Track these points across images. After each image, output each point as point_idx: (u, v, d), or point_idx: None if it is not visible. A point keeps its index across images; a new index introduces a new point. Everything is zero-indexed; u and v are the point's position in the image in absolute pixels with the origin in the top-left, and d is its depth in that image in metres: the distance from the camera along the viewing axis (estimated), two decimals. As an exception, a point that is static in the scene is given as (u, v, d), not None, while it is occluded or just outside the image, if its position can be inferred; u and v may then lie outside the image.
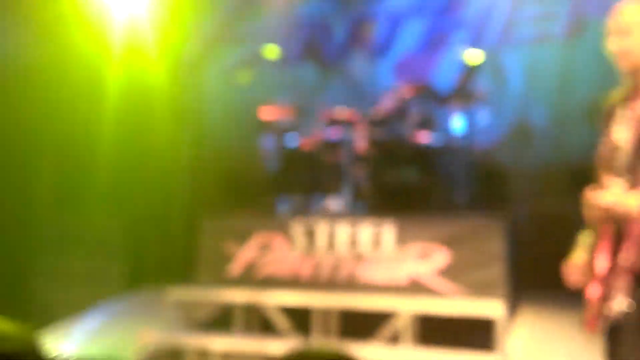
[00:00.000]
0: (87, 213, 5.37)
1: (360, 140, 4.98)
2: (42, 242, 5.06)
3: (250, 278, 4.41)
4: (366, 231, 4.23)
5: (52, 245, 5.09)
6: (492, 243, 3.96)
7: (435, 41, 6.14)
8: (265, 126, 5.43)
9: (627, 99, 2.00)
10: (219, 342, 4.01)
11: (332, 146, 5.08)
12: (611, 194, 1.87)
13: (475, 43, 6.08)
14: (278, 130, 5.35)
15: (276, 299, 4.12)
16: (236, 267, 4.47)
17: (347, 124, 5.03)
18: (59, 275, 4.93)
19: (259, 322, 4.26)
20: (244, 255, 4.46)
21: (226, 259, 4.51)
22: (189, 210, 5.92)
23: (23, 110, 4.08)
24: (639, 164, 1.86)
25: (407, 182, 4.53)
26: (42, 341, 0.85)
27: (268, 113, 5.46)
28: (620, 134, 1.95)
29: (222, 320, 4.32)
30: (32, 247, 4.94)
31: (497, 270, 3.92)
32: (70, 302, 4.71)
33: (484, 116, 5.11)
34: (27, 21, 5.48)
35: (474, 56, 5.07)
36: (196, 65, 6.94)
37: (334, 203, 4.72)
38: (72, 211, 5.39)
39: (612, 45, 2.04)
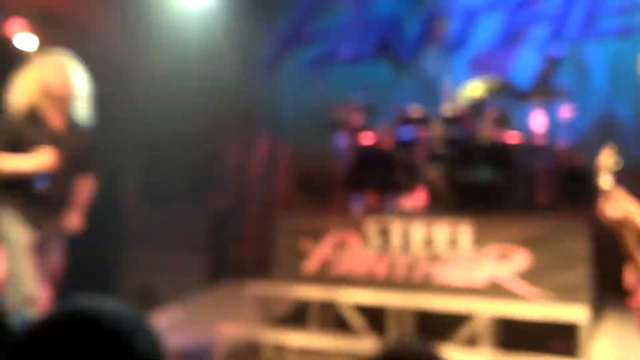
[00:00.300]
0: (172, 208, 5.56)
1: (435, 139, 4.91)
2: (129, 236, 5.28)
3: (325, 276, 4.43)
4: (442, 231, 4.16)
5: (138, 239, 5.31)
6: (575, 244, 3.80)
7: (513, 36, 5.96)
8: (339, 125, 5.44)
9: None
10: (295, 338, 4.05)
11: (406, 145, 5.03)
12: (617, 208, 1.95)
13: (556, 37, 5.86)
14: (352, 128, 5.34)
15: (351, 297, 4.13)
16: (311, 265, 4.51)
17: (421, 121, 4.97)
18: (143, 268, 5.13)
19: (334, 320, 4.28)
20: (319, 253, 4.49)
21: (302, 256, 4.55)
22: (266, 208, 6.02)
23: (115, 109, 4.28)
24: None
25: (485, 181, 4.41)
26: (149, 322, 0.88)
27: (342, 112, 5.47)
28: None
29: (298, 316, 4.36)
30: (120, 240, 5.16)
31: (580, 273, 3.76)
32: (153, 295, 4.89)
33: (565, 112, 4.92)
34: (118, 23, 5.73)
35: (554, 50, 4.89)
36: (271, 64, 7.04)
37: (408, 202, 4.67)
38: (157, 206, 5.61)
39: None
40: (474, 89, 4.99)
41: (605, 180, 2.08)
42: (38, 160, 2.98)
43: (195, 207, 5.72)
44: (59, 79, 3.04)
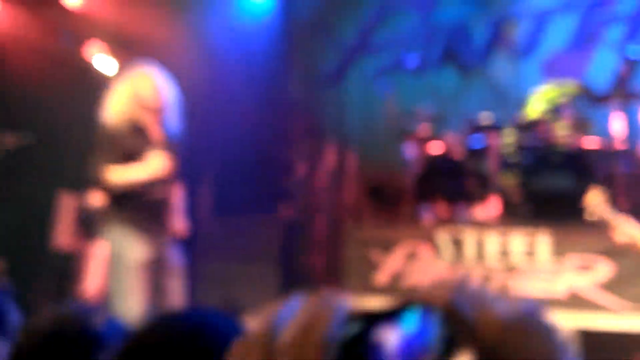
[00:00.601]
0: (242, 220, 5.65)
1: (508, 146, 4.77)
2: (204, 248, 5.40)
3: (396, 287, 4.36)
4: (518, 241, 4.02)
5: (211, 251, 5.42)
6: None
7: (588, 37, 5.72)
8: (407, 134, 5.39)
9: None
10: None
11: (477, 153, 4.92)
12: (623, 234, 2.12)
13: (633, 37, 5.60)
14: (420, 138, 5.27)
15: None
16: (383, 276, 4.46)
17: (492, 129, 4.84)
18: (218, 280, 5.22)
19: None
20: (390, 264, 4.43)
21: (372, 267, 4.51)
22: (335, 218, 6.02)
23: (191, 123, 4.42)
24: None
25: (562, 188, 4.24)
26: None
27: (409, 121, 5.41)
28: None
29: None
30: (197, 253, 5.28)
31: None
32: (236, 307, 4.97)
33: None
34: (187, 40, 5.93)
35: (632, 52, 4.66)
36: (338, 75, 7.07)
37: (481, 212, 4.56)
38: (227, 218, 5.72)
39: None
40: (549, 93, 4.82)
41: (600, 212, 2.20)
42: (153, 167, 2.95)
43: (265, 219, 5.79)
44: (151, 92, 3.03)
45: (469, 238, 4.19)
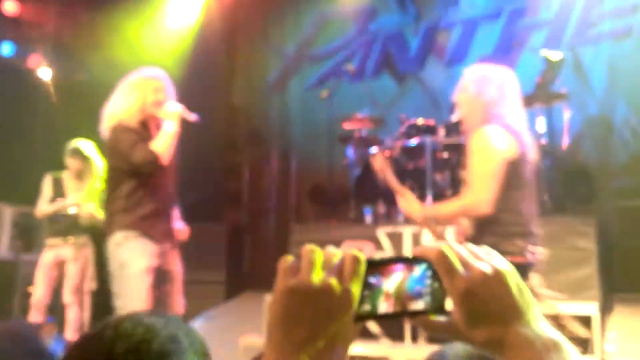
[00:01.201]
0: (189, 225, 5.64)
1: (440, 145, 4.97)
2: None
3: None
4: (451, 236, 4.19)
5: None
6: (583, 243, 3.83)
7: (512, 44, 6.03)
8: (347, 138, 5.53)
9: None
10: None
11: (412, 153, 5.10)
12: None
13: (554, 42, 5.93)
14: (360, 141, 5.43)
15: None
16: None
17: (426, 130, 5.03)
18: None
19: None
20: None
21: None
22: (280, 221, 6.10)
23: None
24: None
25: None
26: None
27: (349, 125, 5.56)
28: None
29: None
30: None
31: (589, 271, 3.78)
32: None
33: (566, 115, 4.97)
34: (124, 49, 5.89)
35: (553, 56, 4.94)
36: (280, 83, 7.17)
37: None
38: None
39: None
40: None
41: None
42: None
43: (212, 224, 5.81)
44: (160, 92, 3.04)
45: (407, 234, 4.34)
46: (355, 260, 0.65)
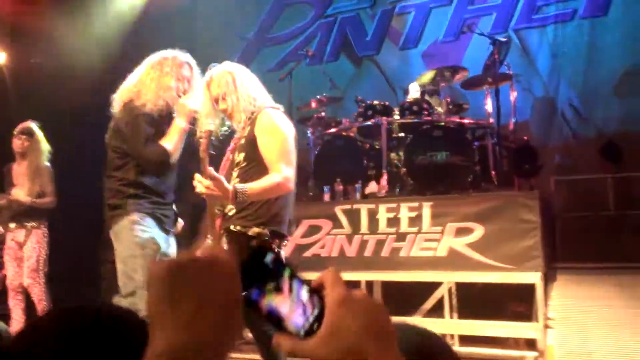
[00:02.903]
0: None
1: (395, 125, 4.98)
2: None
3: (299, 258, 4.42)
4: (405, 211, 4.21)
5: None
6: (527, 215, 3.89)
7: (462, 28, 6.05)
8: (306, 119, 5.48)
9: None
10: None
11: (368, 133, 5.09)
12: None
13: (501, 26, 5.98)
14: (318, 122, 5.39)
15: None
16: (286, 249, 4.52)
17: (382, 111, 5.03)
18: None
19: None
20: (293, 238, 4.51)
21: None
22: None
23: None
24: None
25: (441, 162, 4.48)
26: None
27: (308, 107, 5.51)
28: None
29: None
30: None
31: (533, 242, 3.84)
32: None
33: (513, 95, 5.03)
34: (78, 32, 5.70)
35: (501, 39, 4.97)
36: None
37: (374, 187, 4.72)
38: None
39: None
40: (426, 77, 5.07)
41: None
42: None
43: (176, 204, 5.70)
44: (182, 83, 2.76)
45: (364, 211, 4.35)
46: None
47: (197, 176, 2.20)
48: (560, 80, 5.69)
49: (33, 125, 4.42)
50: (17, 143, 4.39)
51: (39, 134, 4.42)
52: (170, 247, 2.78)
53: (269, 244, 2.37)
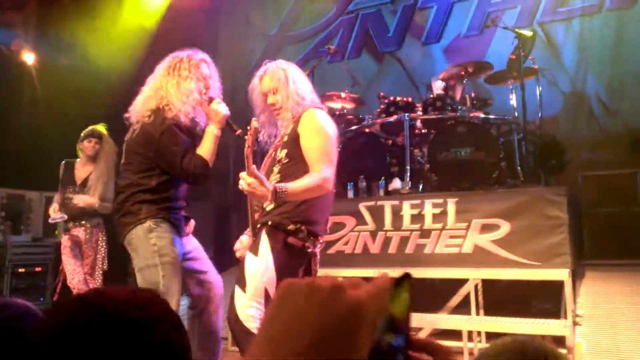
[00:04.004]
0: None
1: (418, 122, 4.94)
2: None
3: (324, 255, 4.43)
4: (429, 208, 4.19)
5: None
6: (555, 211, 3.83)
7: (487, 21, 5.98)
8: (330, 116, 5.46)
9: None
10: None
11: (391, 130, 5.07)
12: None
13: (526, 20, 5.89)
14: (340, 119, 5.38)
15: (348, 273, 4.19)
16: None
17: (405, 107, 5.00)
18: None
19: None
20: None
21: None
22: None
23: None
24: None
25: (465, 159, 4.44)
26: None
27: (331, 104, 5.50)
28: None
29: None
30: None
31: (561, 238, 3.78)
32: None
33: (538, 90, 4.95)
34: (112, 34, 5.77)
35: (526, 32, 4.90)
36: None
37: (397, 183, 4.71)
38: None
39: None
40: (451, 72, 5.01)
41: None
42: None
43: (200, 202, 5.75)
44: (201, 76, 2.69)
45: (387, 208, 4.33)
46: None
47: (242, 174, 2.19)
48: (587, 74, 5.59)
49: (102, 128, 4.42)
50: (88, 146, 4.37)
51: (108, 137, 4.40)
52: (186, 246, 2.71)
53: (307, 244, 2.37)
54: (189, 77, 2.65)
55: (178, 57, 2.71)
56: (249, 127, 2.31)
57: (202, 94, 2.69)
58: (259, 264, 2.29)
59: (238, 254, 2.53)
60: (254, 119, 2.42)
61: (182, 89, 2.62)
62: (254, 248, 2.33)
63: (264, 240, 2.32)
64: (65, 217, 4.26)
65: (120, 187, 2.68)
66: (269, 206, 2.41)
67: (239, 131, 2.61)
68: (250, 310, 2.25)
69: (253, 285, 2.27)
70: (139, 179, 2.61)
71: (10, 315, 0.96)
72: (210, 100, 2.68)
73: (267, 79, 2.56)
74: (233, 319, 2.27)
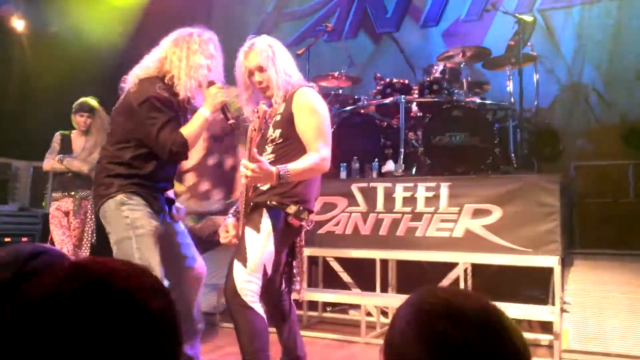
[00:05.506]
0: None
1: (413, 105, 4.91)
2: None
3: (314, 234, 4.41)
4: (422, 191, 4.17)
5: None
6: (548, 199, 3.83)
7: (487, 6, 5.93)
8: (324, 96, 5.41)
9: None
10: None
11: (387, 111, 5.03)
12: None
13: (526, 5, 5.85)
14: (335, 99, 5.33)
15: (338, 253, 4.17)
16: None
17: (401, 89, 4.96)
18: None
19: (321, 275, 4.34)
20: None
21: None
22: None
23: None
24: None
25: (460, 143, 4.42)
26: None
27: (326, 84, 5.45)
28: None
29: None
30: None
31: (552, 226, 3.79)
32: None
33: (536, 77, 4.94)
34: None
35: (525, 19, 4.87)
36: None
37: (391, 166, 4.69)
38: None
39: None
40: (449, 55, 4.98)
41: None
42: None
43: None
44: (209, 54, 2.59)
45: (380, 190, 4.31)
46: None
47: (244, 161, 2.12)
48: (584, 63, 5.58)
49: (92, 102, 4.34)
50: (80, 120, 4.32)
51: (100, 110, 4.33)
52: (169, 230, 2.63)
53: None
54: (199, 52, 2.55)
55: (188, 31, 2.61)
56: (256, 110, 2.24)
57: (210, 70, 2.57)
58: (262, 241, 2.29)
59: (224, 240, 2.47)
60: (262, 102, 2.39)
61: (191, 62, 2.52)
62: (254, 225, 2.32)
63: (266, 218, 2.31)
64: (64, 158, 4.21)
65: (100, 157, 2.62)
66: (264, 185, 2.37)
67: (232, 121, 2.52)
68: (249, 285, 2.25)
69: (254, 261, 2.27)
70: (115, 150, 2.54)
71: (47, 261, 0.95)
72: (211, 83, 2.56)
73: (253, 55, 2.46)
74: (231, 293, 2.25)
